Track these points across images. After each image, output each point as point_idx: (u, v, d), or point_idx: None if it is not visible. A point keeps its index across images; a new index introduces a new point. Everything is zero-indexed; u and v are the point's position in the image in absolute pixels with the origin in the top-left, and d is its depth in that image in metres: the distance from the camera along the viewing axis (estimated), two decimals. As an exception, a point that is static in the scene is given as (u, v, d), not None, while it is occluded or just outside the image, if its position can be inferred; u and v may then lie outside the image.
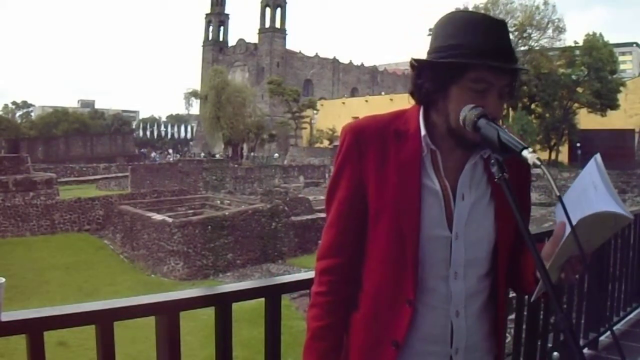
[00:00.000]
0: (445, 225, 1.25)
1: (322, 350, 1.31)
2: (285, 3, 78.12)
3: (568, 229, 1.11)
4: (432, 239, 1.24)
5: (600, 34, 41.14)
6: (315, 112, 60.31)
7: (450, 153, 1.27)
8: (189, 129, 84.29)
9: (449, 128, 1.23)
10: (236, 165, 45.26)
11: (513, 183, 1.26)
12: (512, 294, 2.76)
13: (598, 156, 1.17)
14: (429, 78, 1.23)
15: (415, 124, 1.28)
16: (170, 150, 70.24)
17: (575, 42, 42.30)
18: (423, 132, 1.26)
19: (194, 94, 62.50)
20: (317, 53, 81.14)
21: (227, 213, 24.49)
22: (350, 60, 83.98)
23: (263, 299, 1.74)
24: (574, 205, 1.13)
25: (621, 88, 40.56)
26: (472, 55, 1.17)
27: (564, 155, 43.73)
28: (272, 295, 1.75)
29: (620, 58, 55.81)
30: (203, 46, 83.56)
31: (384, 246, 1.27)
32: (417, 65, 1.26)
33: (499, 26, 1.22)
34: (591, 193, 1.13)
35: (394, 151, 1.26)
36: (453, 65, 1.18)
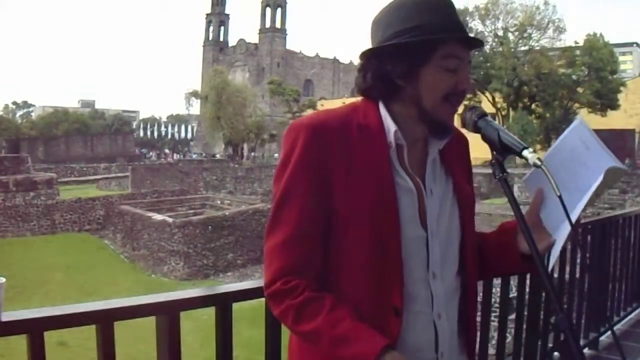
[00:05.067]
0: (420, 224, 1.18)
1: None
2: (286, 3, 78.19)
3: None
4: (410, 240, 1.16)
5: (601, 34, 41.24)
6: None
7: (412, 147, 1.20)
8: (189, 129, 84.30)
9: (423, 113, 1.16)
10: (236, 165, 45.25)
11: (458, 162, 1.29)
12: (512, 294, 2.76)
13: (581, 116, 1.19)
14: (395, 64, 1.14)
15: (375, 118, 1.18)
16: (167, 151, 69.87)
17: (576, 42, 42.40)
18: (394, 127, 1.16)
19: (194, 94, 62.42)
20: (317, 53, 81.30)
21: (227, 213, 24.53)
22: (351, 60, 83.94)
23: (263, 299, 1.73)
24: (564, 164, 1.17)
25: (621, 88, 40.61)
26: (439, 32, 1.13)
27: (564, 155, 43.75)
28: (273, 295, 1.75)
29: (621, 58, 55.82)
30: (203, 46, 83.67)
31: (362, 254, 1.14)
32: (376, 54, 1.17)
33: (449, 3, 1.20)
34: (583, 152, 1.15)
35: (359, 149, 1.15)
36: (422, 44, 1.12)
